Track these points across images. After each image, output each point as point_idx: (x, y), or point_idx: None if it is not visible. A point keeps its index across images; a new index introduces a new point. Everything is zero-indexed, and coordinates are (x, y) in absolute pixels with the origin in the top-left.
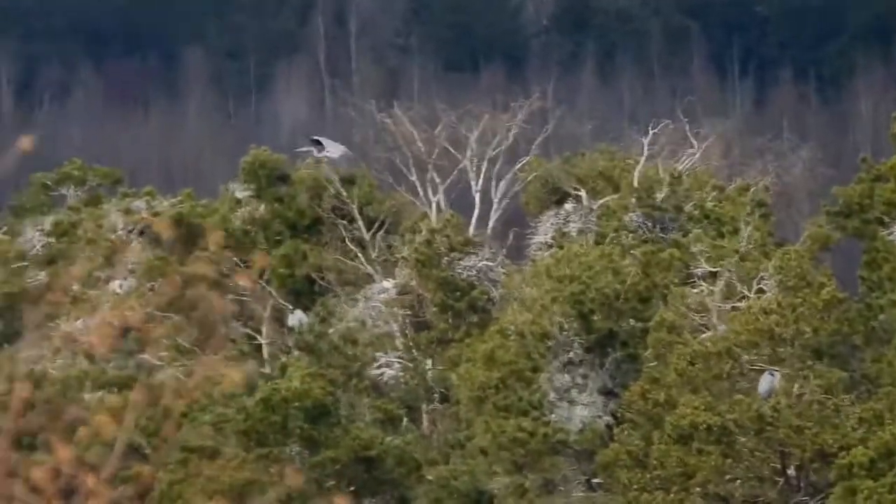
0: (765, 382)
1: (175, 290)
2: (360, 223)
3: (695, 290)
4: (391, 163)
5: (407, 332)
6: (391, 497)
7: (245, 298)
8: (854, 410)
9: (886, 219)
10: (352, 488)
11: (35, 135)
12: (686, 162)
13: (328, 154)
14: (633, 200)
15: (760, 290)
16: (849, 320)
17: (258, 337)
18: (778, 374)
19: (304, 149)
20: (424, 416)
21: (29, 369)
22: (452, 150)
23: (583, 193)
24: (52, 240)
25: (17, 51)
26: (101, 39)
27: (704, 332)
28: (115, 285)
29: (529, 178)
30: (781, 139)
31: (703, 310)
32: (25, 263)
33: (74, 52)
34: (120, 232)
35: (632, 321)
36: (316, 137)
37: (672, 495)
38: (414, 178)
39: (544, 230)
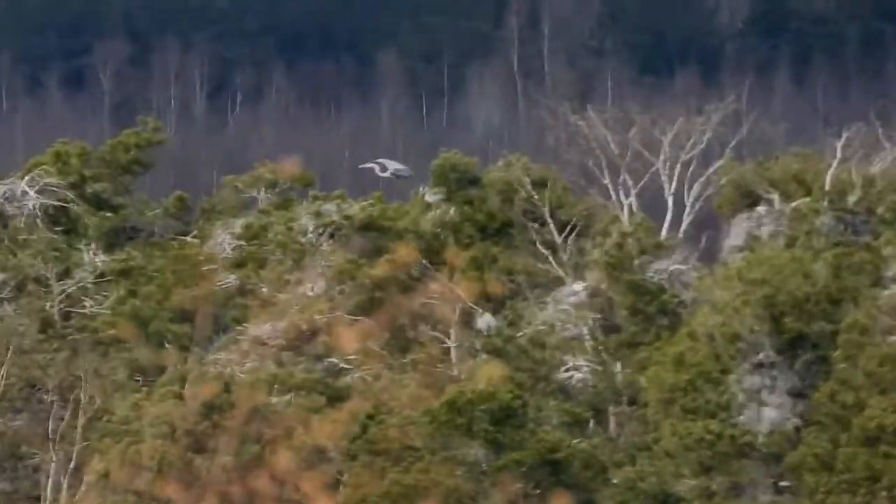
0: None
1: (365, 293)
2: (552, 226)
3: (886, 293)
4: (584, 166)
5: (596, 335)
6: (577, 500)
7: (434, 301)
8: None
9: None
10: (537, 491)
11: (229, 137)
12: (879, 165)
13: (397, 170)
14: (825, 203)
15: None
16: None
17: (446, 340)
18: None
19: (369, 165)
20: (611, 418)
21: (218, 372)
22: (646, 153)
23: (775, 197)
24: (243, 243)
25: (212, 53)
26: (294, 41)
27: (895, 335)
28: (305, 288)
29: (723, 182)
30: None
31: (894, 312)
32: (215, 266)
33: (268, 55)
34: (310, 235)
35: (822, 323)
36: (380, 160)
37: (858, 498)
38: (606, 181)
39: (736, 233)
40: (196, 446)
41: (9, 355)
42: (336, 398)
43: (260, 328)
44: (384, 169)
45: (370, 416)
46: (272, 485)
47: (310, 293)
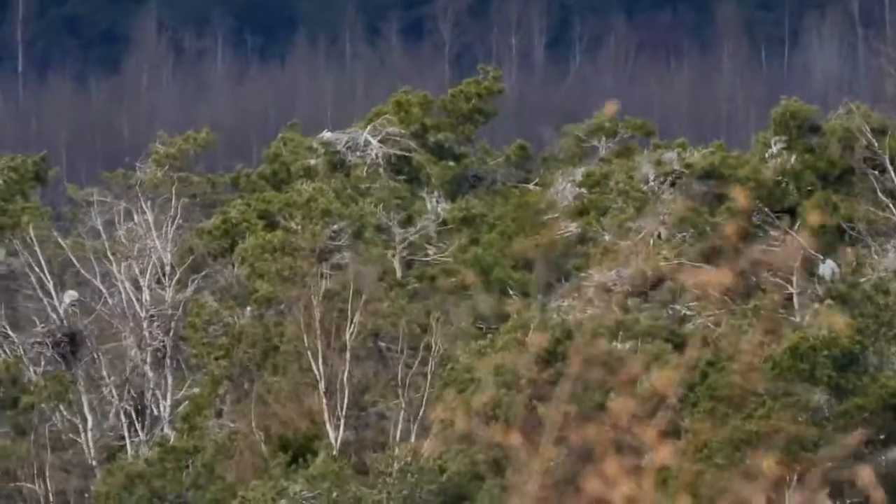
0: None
1: (706, 240)
2: (892, 174)
3: None
4: None
5: None
6: None
7: (775, 249)
8: None
9: None
10: (880, 436)
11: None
12: None
13: None
14: None
15: None
16: None
17: (788, 287)
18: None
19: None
20: None
21: (563, 319)
22: None
23: None
24: (584, 190)
25: (553, 3)
26: None
27: None
28: (647, 236)
29: None
30: None
31: None
32: (557, 215)
33: (607, 4)
34: (651, 183)
35: None
36: None
37: None
38: None
39: None
40: (537, 394)
41: (357, 303)
42: (679, 345)
43: (604, 275)
44: None
45: (710, 363)
46: (611, 432)
47: (652, 241)
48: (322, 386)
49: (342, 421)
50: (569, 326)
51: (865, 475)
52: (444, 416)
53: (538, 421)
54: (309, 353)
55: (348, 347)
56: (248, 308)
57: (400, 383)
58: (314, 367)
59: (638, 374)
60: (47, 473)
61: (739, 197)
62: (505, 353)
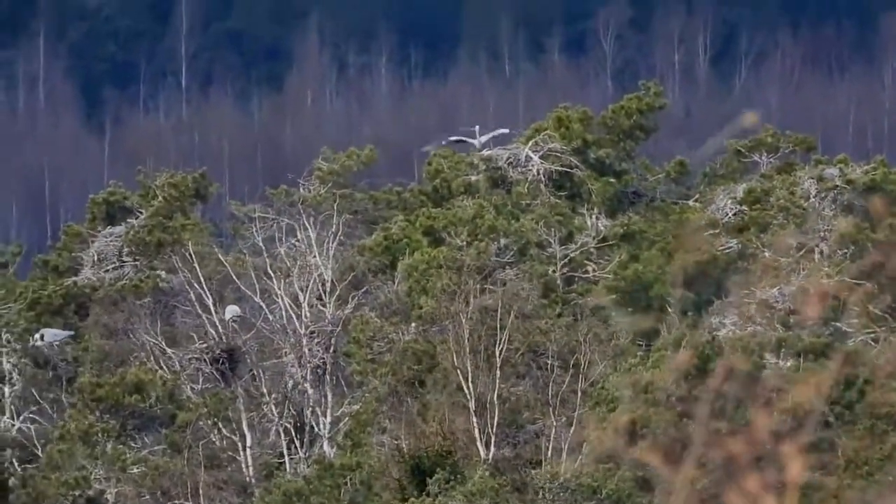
0: None
1: (870, 257)
2: None
3: None
4: None
5: None
6: None
7: None
8: None
9: None
10: None
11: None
12: None
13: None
14: None
15: None
16: None
17: None
18: None
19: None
20: None
21: (714, 336)
22: None
23: None
24: (745, 207)
25: (714, 17)
26: (797, 4)
27: None
28: (808, 253)
29: None
30: None
31: None
32: (717, 231)
33: (773, 18)
34: (813, 199)
35: None
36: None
37: None
38: None
39: None
40: (683, 412)
41: (510, 320)
42: (837, 361)
43: (765, 292)
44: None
45: (868, 381)
46: (753, 448)
47: (814, 258)
48: (472, 404)
49: (493, 439)
50: (719, 343)
51: None
52: (594, 434)
53: (684, 439)
54: (458, 371)
55: (498, 365)
56: (412, 325)
57: (552, 399)
58: (464, 386)
59: (781, 389)
60: (201, 492)
61: None
62: (653, 370)
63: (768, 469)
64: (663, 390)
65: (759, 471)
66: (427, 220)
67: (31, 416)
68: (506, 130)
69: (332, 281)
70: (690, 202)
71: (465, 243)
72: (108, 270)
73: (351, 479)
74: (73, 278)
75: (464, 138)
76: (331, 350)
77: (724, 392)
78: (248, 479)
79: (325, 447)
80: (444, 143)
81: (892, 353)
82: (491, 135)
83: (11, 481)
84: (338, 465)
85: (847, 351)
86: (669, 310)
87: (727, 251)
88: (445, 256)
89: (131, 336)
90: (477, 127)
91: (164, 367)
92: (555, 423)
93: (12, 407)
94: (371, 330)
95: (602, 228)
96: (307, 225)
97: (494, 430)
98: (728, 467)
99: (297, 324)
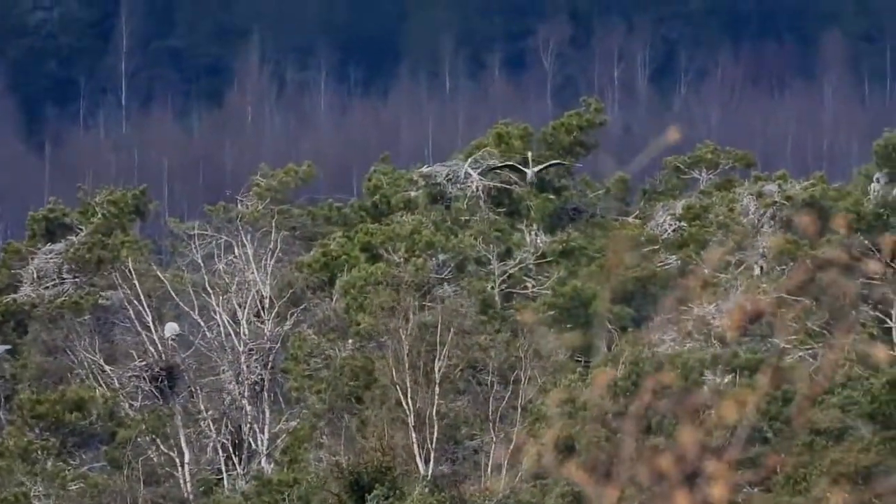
0: None
1: (806, 273)
2: None
3: None
4: None
5: None
6: None
7: (875, 282)
8: None
9: None
10: None
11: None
12: None
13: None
14: None
15: None
16: None
17: (888, 320)
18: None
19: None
20: None
21: (653, 352)
22: None
23: None
24: (684, 223)
25: (654, 35)
26: (736, 23)
27: None
28: (747, 269)
29: None
30: None
31: None
32: (657, 247)
33: (713, 36)
34: (752, 216)
35: None
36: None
37: None
38: None
39: None
40: (618, 428)
41: (450, 336)
42: (775, 378)
43: (704, 308)
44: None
45: (807, 397)
46: (682, 465)
47: (752, 274)
48: (411, 420)
49: (432, 455)
50: (659, 359)
51: None
52: (534, 451)
53: (614, 456)
54: (398, 387)
55: (437, 381)
56: (350, 341)
57: (491, 417)
58: (403, 402)
59: (713, 405)
60: None
61: (843, 225)
62: (588, 387)
63: (699, 485)
64: (595, 407)
65: (691, 487)
66: (365, 236)
67: None
68: (562, 162)
69: (270, 297)
70: (630, 218)
71: (402, 259)
72: (47, 287)
73: (289, 495)
74: (13, 295)
75: (517, 164)
76: (269, 367)
77: (656, 408)
78: (186, 495)
79: (263, 463)
80: (492, 169)
81: (829, 369)
82: (544, 165)
83: None
84: (276, 481)
85: (785, 367)
86: (608, 326)
87: (666, 267)
88: (383, 273)
89: (70, 353)
90: (529, 154)
91: (104, 385)
92: (493, 439)
93: None
94: (308, 346)
95: (541, 245)
96: (245, 241)
97: (433, 445)
98: (659, 484)
99: (235, 340)
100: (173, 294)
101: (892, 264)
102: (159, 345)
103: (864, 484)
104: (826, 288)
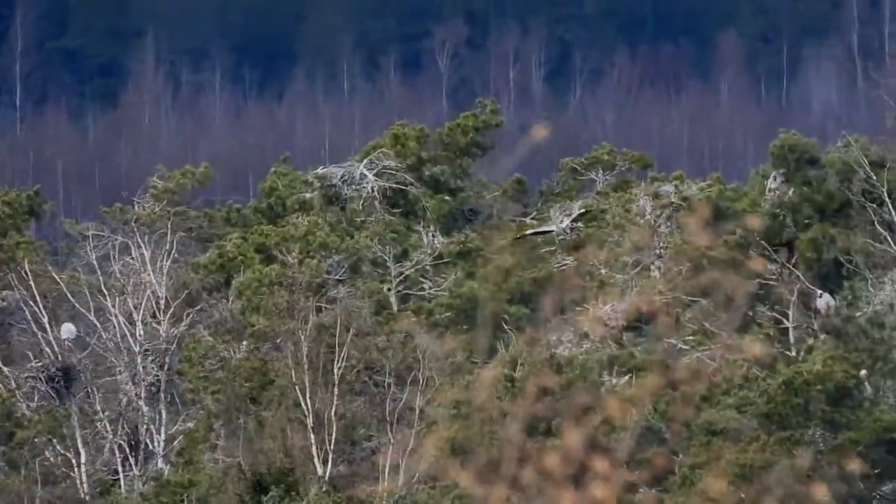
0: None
1: (702, 274)
2: (890, 206)
3: None
4: None
5: None
6: None
7: (772, 282)
8: None
9: None
10: (875, 471)
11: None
12: None
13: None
14: None
15: None
16: None
17: (784, 321)
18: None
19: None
20: None
21: (550, 353)
22: None
23: None
24: (581, 224)
25: (550, 36)
26: (633, 25)
27: None
28: (644, 270)
29: None
30: None
31: None
32: (554, 248)
33: (608, 37)
34: (648, 216)
35: None
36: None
37: None
38: None
39: None
40: (528, 430)
41: (349, 338)
42: (672, 378)
43: (600, 309)
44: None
45: (705, 398)
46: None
47: (649, 274)
48: (310, 421)
49: (330, 456)
50: (560, 360)
51: (820, 493)
52: (431, 452)
53: (501, 457)
54: (297, 388)
55: (336, 382)
56: (244, 342)
57: (388, 417)
58: (302, 403)
59: (604, 405)
60: None
61: (742, 225)
62: (492, 388)
63: (589, 485)
64: (485, 408)
65: (580, 487)
66: (259, 237)
67: None
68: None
69: (166, 298)
70: (527, 219)
71: (297, 261)
72: None
73: (188, 497)
74: None
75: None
76: (165, 368)
77: (548, 409)
78: (83, 495)
79: (160, 464)
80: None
81: (726, 369)
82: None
83: None
84: (174, 483)
85: (682, 367)
86: (506, 327)
87: (563, 268)
88: (277, 274)
89: None
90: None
91: (0, 386)
92: (390, 440)
93: None
94: (203, 348)
95: (438, 246)
96: (141, 243)
97: (332, 447)
98: (548, 484)
99: (131, 341)
100: (69, 295)
101: (788, 265)
102: (55, 345)
103: (761, 484)
104: (722, 288)
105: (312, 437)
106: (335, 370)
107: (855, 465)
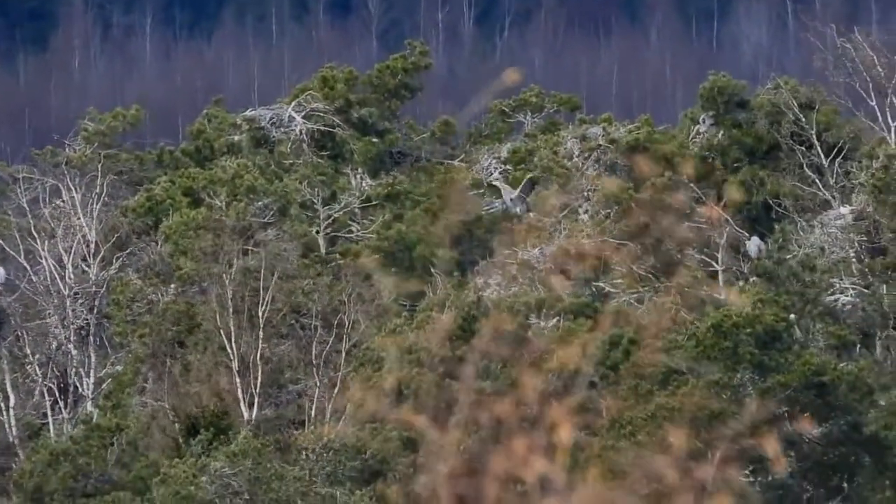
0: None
1: (632, 217)
2: (818, 149)
3: None
4: (850, 88)
5: (863, 258)
6: (843, 423)
7: (702, 225)
8: None
9: None
10: (805, 414)
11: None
12: None
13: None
14: None
15: None
16: None
17: (714, 264)
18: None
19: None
20: (878, 342)
21: (479, 297)
22: None
23: None
24: (509, 167)
25: None
26: None
27: None
28: (572, 213)
29: None
30: None
31: None
32: (482, 191)
33: None
34: (576, 159)
35: None
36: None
37: None
38: (873, 102)
39: None
40: (448, 373)
41: (273, 280)
42: (602, 322)
43: (528, 252)
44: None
45: (633, 341)
46: (520, 410)
47: (577, 218)
48: (235, 365)
49: (256, 399)
50: (485, 304)
51: (770, 446)
52: (357, 395)
53: (449, 400)
54: (222, 332)
55: (261, 326)
56: (172, 286)
57: (315, 360)
58: (228, 346)
59: (548, 350)
60: None
61: (674, 168)
62: (420, 330)
63: (534, 430)
64: (428, 351)
65: (526, 432)
66: (187, 180)
67: None
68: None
69: (96, 242)
70: (455, 162)
71: (224, 204)
72: None
73: (116, 440)
74: None
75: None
76: (94, 311)
77: (490, 353)
78: (11, 439)
79: (90, 408)
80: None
81: (655, 313)
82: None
83: None
84: (103, 426)
85: (611, 311)
86: (434, 270)
87: (491, 211)
88: (204, 217)
89: None
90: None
91: None
92: (318, 384)
93: None
94: (131, 291)
95: (366, 188)
96: (72, 186)
97: (258, 390)
98: (494, 429)
99: (60, 285)
100: None
101: (717, 207)
102: None
103: (690, 428)
104: (652, 231)
105: (238, 380)
106: (260, 314)
107: (779, 407)
